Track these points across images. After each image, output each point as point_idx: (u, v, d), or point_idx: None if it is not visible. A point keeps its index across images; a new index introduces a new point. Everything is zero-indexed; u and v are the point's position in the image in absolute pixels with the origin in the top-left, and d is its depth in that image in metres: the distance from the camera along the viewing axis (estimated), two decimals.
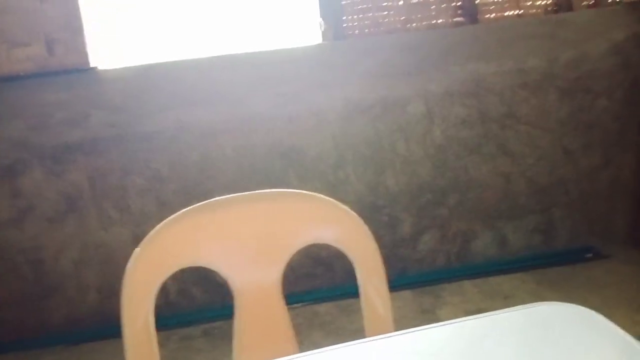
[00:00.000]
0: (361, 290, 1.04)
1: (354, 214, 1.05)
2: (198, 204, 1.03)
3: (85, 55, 2.19)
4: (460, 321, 0.80)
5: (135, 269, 0.95)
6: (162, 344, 1.05)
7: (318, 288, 2.43)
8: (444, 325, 0.81)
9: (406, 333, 0.82)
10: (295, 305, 2.32)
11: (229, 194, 1.06)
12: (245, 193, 1.06)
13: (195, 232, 1.02)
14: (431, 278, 2.44)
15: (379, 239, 1.03)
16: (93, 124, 2.23)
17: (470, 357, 0.74)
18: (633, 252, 2.44)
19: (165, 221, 1.00)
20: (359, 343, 0.81)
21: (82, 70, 2.20)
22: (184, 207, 1.03)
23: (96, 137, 2.24)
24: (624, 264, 2.38)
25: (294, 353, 0.85)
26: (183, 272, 1.01)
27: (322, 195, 1.06)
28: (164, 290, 0.99)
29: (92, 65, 2.20)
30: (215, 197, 1.05)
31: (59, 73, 2.18)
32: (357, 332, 1.05)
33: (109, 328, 2.31)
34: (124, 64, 2.28)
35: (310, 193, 1.07)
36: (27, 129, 2.21)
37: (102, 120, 2.24)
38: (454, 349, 0.77)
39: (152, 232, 0.98)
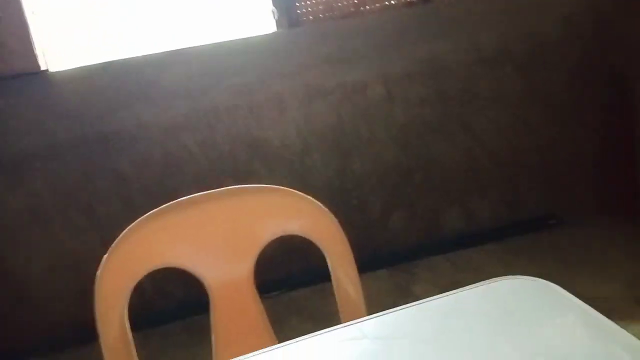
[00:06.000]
0: (333, 276, 1.07)
1: (319, 203, 1.06)
2: (162, 206, 1.03)
3: (34, 58, 2.12)
4: (426, 301, 0.83)
5: (104, 277, 0.95)
6: (142, 344, 1.05)
7: (293, 274, 2.45)
8: (410, 307, 0.84)
9: (374, 317, 0.84)
10: (273, 293, 2.34)
11: (196, 189, 1.06)
12: (209, 191, 1.06)
13: (162, 234, 1.02)
14: (404, 256, 2.49)
15: (350, 222, 1.05)
16: (48, 128, 2.17)
17: (437, 337, 0.77)
18: (596, 218, 2.53)
19: (130, 226, 0.99)
20: (327, 332, 0.83)
21: (32, 74, 2.12)
22: (151, 207, 1.02)
23: (53, 143, 2.18)
24: (586, 230, 2.47)
25: (271, 344, 0.87)
26: (157, 270, 1.01)
27: (286, 188, 1.07)
28: (139, 290, 0.99)
29: (42, 68, 2.14)
30: (181, 194, 1.05)
31: (8, 78, 2.10)
32: (332, 315, 1.07)
33: (85, 333, 2.30)
34: (76, 65, 2.21)
35: (273, 186, 1.07)
36: None
37: (58, 124, 2.18)
38: (422, 330, 0.80)
39: (118, 238, 0.98)
